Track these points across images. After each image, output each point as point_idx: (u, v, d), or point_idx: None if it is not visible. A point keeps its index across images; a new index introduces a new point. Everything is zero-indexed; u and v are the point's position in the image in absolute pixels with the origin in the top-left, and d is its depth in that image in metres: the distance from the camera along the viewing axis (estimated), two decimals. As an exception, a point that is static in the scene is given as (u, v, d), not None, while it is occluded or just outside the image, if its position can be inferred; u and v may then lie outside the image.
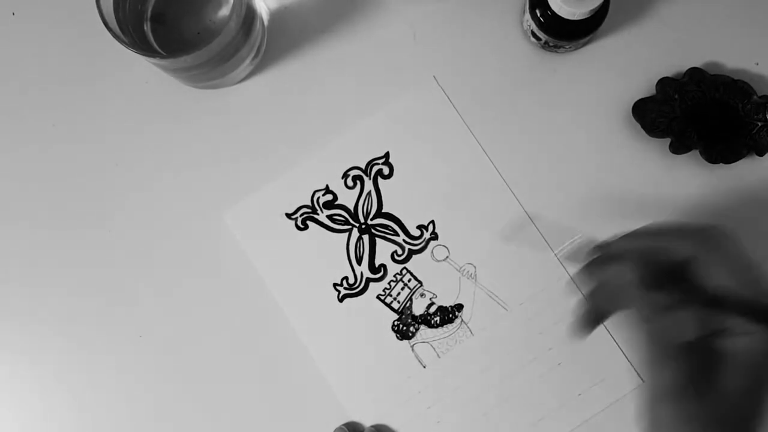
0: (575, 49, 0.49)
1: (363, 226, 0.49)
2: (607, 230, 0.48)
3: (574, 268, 0.39)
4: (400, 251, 0.48)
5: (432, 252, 0.48)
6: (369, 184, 0.49)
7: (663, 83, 0.47)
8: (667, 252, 0.36)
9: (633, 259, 0.37)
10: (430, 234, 0.49)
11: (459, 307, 0.48)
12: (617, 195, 0.48)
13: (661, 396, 0.35)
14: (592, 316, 0.38)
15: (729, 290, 0.35)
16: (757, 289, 0.35)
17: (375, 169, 0.49)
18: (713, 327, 0.36)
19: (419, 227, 0.49)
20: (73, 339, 0.48)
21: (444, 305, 0.48)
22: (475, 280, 0.48)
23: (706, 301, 0.35)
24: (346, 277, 0.48)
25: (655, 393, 0.35)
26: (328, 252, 0.48)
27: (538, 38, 0.47)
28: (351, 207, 0.49)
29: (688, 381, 0.34)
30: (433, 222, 0.49)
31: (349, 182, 0.49)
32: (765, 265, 0.47)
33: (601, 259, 0.39)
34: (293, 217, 0.49)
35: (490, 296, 0.48)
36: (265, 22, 0.49)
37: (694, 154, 0.48)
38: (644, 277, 0.36)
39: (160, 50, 0.45)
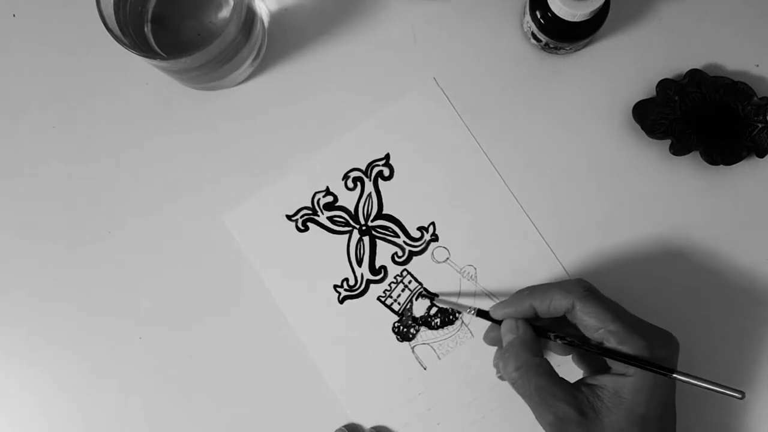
0: (575, 51, 0.49)
1: (363, 228, 0.49)
2: (608, 231, 0.48)
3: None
4: (400, 253, 0.49)
5: (432, 253, 0.49)
6: (369, 186, 0.49)
7: (663, 85, 0.48)
8: (544, 310, 0.41)
9: (508, 322, 0.42)
10: (431, 235, 0.49)
11: (459, 308, 0.48)
12: (617, 196, 0.48)
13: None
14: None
15: (602, 337, 0.39)
16: (623, 338, 0.38)
17: (375, 170, 0.49)
18: (599, 366, 0.42)
19: (420, 229, 0.49)
20: (72, 340, 0.48)
21: (444, 307, 0.48)
22: (476, 282, 0.48)
23: (583, 346, 0.40)
24: (346, 279, 0.48)
25: (544, 429, 0.39)
26: (329, 254, 0.49)
27: (538, 40, 0.48)
28: (351, 208, 0.49)
29: (567, 420, 0.38)
30: (433, 223, 0.49)
31: (350, 184, 0.49)
32: (763, 266, 0.48)
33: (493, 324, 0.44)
34: (293, 218, 0.49)
35: (491, 297, 0.48)
36: (266, 24, 0.50)
37: (695, 156, 0.48)
38: (525, 333, 0.41)
39: (160, 52, 0.45)
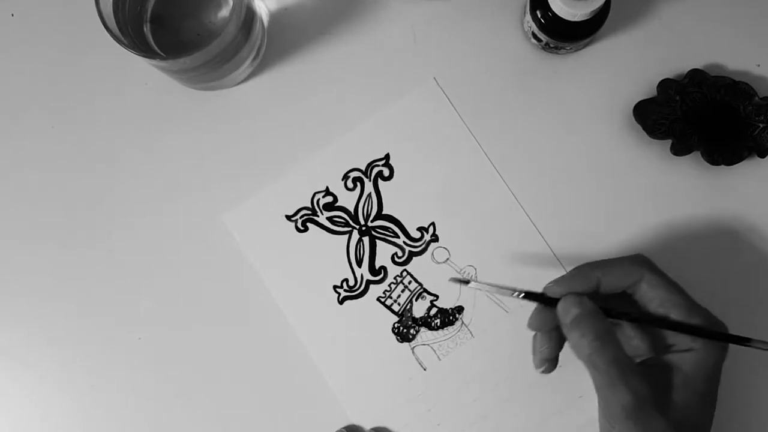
0: (576, 51, 0.49)
1: (363, 228, 0.49)
2: (608, 231, 0.48)
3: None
4: (400, 253, 0.49)
5: (432, 254, 0.49)
6: (369, 186, 0.49)
7: (664, 85, 0.48)
8: (604, 286, 0.39)
9: (572, 297, 0.39)
10: (431, 236, 0.49)
11: (459, 309, 0.48)
12: (618, 197, 0.48)
13: (620, 416, 0.36)
14: (546, 363, 0.42)
15: (667, 311, 0.38)
16: (690, 310, 0.37)
17: (375, 170, 0.49)
18: (660, 344, 0.39)
19: (420, 229, 0.49)
20: (71, 341, 0.48)
21: (444, 307, 0.48)
22: (476, 281, 0.48)
23: (650, 321, 0.38)
24: (346, 279, 0.48)
25: (614, 413, 0.36)
26: (328, 254, 0.49)
27: (538, 39, 0.48)
28: (351, 209, 0.49)
29: (644, 398, 0.35)
30: (433, 224, 0.49)
31: (349, 184, 0.49)
32: (765, 267, 0.47)
33: (542, 305, 0.41)
34: (293, 219, 0.49)
35: (491, 298, 0.48)
36: (265, 24, 0.50)
37: (696, 156, 0.48)
38: (594, 306, 0.38)
39: (159, 52, 0.45)
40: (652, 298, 0.38)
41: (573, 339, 0.38)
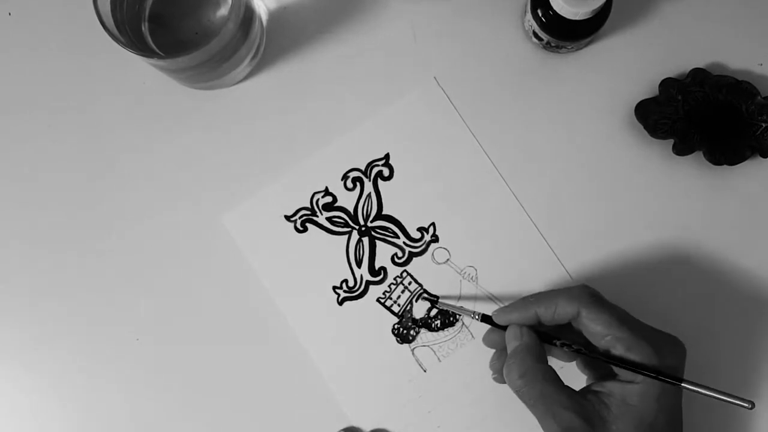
0: (577, 50, 0.49)
1: (363, 229, 0.49)
2: (610, 231, 0.48)
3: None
4: (400, 254, 0.49)
5: (433, 254, 0.48)
6: (369, 186, 0.49)
7: (666, 84, 0.48)
8: (549, 317, 0.40)
9: (513, 328, 0.41)
10: (431, 236, 0.49)
11: (460, 310, 0.48)
12: (620, 197, 0.48)
13: None
14: (498, 373, 0.44)
15: (609, 344, 0.39)
16: (630, 345, 0.38)
17: (375, 170, 0.49)
18: (604, 372, 0.41)
19: (420, 229, 0.49)
20: (69, 342, 0.48)
21: (446, 309, 0.48)
22: (476, 283, 0.48)
23: (590, 354, 0.39)
24: (345, 280, 0.48)
25: None
26: (328, 254, 0.48)
27: (539, 38, 0.48)
28: (351, 209, 0.49)
29: (578, 427, 0.37)
30: (433, 224, 0.49)
31: (349, 184, 0.49)
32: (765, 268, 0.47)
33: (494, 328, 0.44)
34: (292, 219, 0.49)
35: (491, 299, 0.48)
36: (264, 22, 0.50)
37: (698, 156, 0.48)
38: (530, 340, 0.40)
39: (157, 50, 0.45)
40: (593, 331, 0.39)
41: (506, 374, 0.40)
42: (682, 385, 0.37)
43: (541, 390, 0.39)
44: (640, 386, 0.38)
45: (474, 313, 0.44)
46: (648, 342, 0.38)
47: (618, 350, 0.38)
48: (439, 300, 0.47)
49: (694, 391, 0.37)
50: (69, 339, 0.48)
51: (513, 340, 0.41)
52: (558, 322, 0.41)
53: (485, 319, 0.43)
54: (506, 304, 0.43)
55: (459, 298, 0.48)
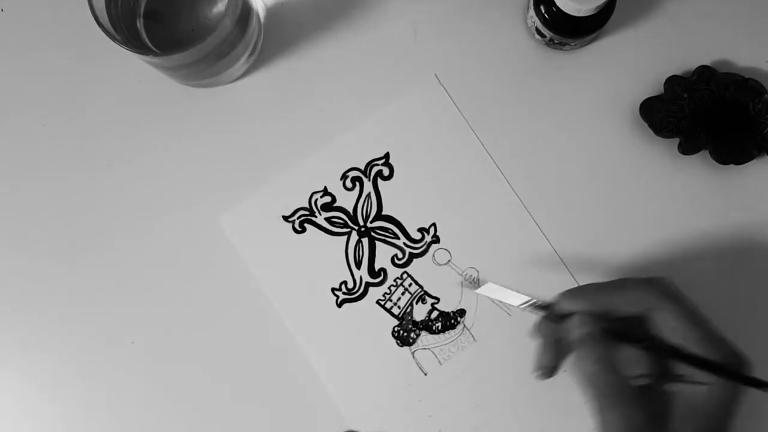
0: (581, 47, 0.49)
1: (362, 229, 0.49)
2: (614, 231, 0.48)
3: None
4: (400, 255, 0.48)
5: (433, 255, 0.48)
6: (368, 186, 0.49)
7: (671, 82, 0.47)
8: (617, 308, 0.38)
9: (582, 316, 0.38)
10: (432, 237, 0.48)
11: (461, 312, 0.48)
12: (624, 197, 0.48)
13: None
14: (545, 370, 0.41)
15: (684, 343, 0.37)
16: (709, 345, 0.36)
17: (375, 170, 0.49)
18: (668, 372, 0.38)
19: (420, 230, 0.49)
20: (63, 344, 0.48)
21: (446, 310, 0.48)
22: (478, 285, 0.48)
23: (663, 352, 0.37)
24: (344, 282, 0.48)
25: None
26: (327, 256, 0.48)
27: (542, 35, 0.47)
28: (350, 209, 0.49)
29: (637, 428, 0.35)
30: (434, 225, 0.49)
31: (348, 184, 0.49)
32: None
33: (549, 317, 0.40)
34: (290, 219, 0.49)
35: (493, 301, 0.48)
36: (262, 19, 0.49)
37: (704, 155, 0.47)
38: (597, 331, 0.38)
39: (153, 48, 0.45)
40: (666, 327, 0.37)
41: (578, 358, 0.38)
42: None
43: (613, 380, 0.36)
44: (708, 389, 0.36)
45: (528, 299, 0.40)
46: (727, 345, 0.36)
47: (692, 349, 0.36)
48: (482, 286, 0.42)
49: None
50: (62, 342, 0.48)
51: (582, 326, 0.38)
52: (626, 315, 0.38)
53: (540, 307, 0.40)
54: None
55: (460, 300, 0.48)
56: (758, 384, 0.36)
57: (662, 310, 0.37)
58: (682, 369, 0.37)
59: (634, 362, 0.40)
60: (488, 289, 0.42)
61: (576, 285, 0.47)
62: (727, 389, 0.36)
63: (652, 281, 0.38)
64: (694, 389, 0.37)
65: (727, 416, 0.36)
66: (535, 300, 0.40)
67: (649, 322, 0.38)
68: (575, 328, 0.38)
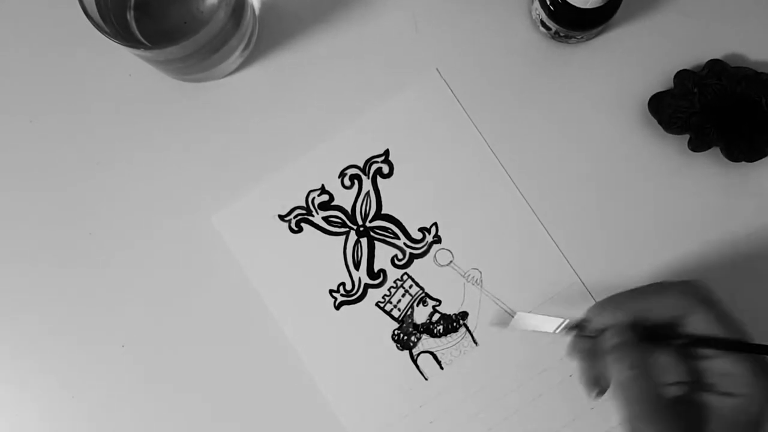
0: (587, 40, 0.49)
1: (361, 229, 0.49)
2: (621, 230, 0.48)
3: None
4: (400, 255, 0.48)
5: (435, 256, 0.48)
6: (367, 184, 0.49)
7: (681, 76, 0.47)
8: (651, 314, 0.38)
9: (616, 328, 0.38)
10: (433, 237, 0.48)
11: (464, 315, 0.48)
12: (631, 195, 0.48)
13: None
14: (595, 387, 0.41)
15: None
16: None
17: (374, 167, 0.49)
18: (701, 381, 0.38)
19: (421, 230, 0.49)
20: (50, 349, 0.48)
21: (447, 313, 0.48)
22: (481, 286, 0.48)
23: (701, 343, 0.37)
24: (343, 283, 0.48)
25: None
26: (324, 256, 0.48)
27: (547, 28, 0.47)
28: (348, 208, 0.49)
29: None
30: (435, 224, 0.48)
31: (347, 182, 0.49)
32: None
33: (585, 334, 0.40)
34: (286, 219, 0.49)
35: (497, 303, 0.48)
36: (257, 11, 0.49)
37: (715, 152, 0.47)
38: (631, 339, 0.38)
39: (144, 41, 0.45)
40: (699, 331, 0.37)
41: (612, 362, 0.38)
42: None
43: (647, 388, 0.36)
44: (741, 400, 0.36)
45: (561, 321, 0.40)
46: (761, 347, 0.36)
47: (726, 359, 0.37)
48: (514, 319, 0.42)
49: None
50: (49, 346, 0.48)
51: (616, 336, 0.38)
52: (659, 321, 0.38)
53: (575, 327, 0.40)
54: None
55: (463, 302, 0.48)
56: None
57: (696, 313, 0.37)
58: (715, 378, 0.37)
59: (668, 370, 0.40)
60: (520, 322, 0.42)
61: (581, 285, 0.47)
62: (756, 399, 0.36)
63: (688, 284, 0.38)
64: (722, 400, 0.37)
65: (755, 428, 0.36)
66: (568, 321, 0.40)
67: (682, 326, 0.38)
68: (609, 338, 0.38)
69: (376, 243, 0.49)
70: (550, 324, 0.41)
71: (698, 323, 0.37)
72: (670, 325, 0.39)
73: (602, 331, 0.39)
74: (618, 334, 0.38)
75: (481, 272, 0.48)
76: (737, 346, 0.36)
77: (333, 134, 0.49)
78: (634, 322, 0.38)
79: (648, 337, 0.38)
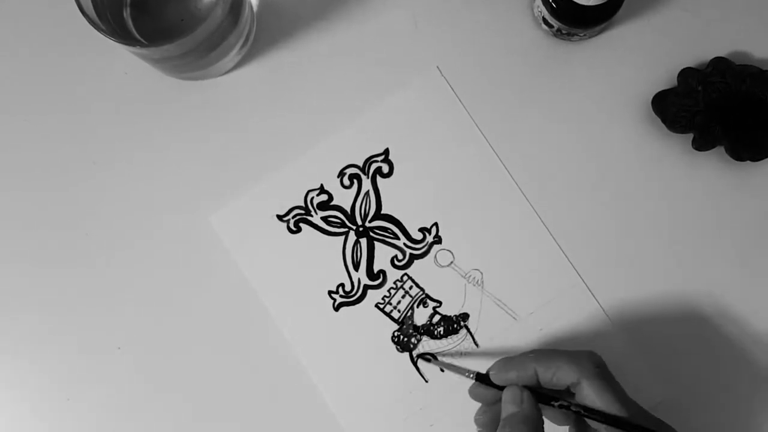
0: (590, 37, 0.49)
1: (360, 229, 0.49)
2: (624, 230, 0.48)
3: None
4: (400, 256, 0.48)
5: (435, 257, 0.48)
6: (367, 184, 0.49)
7: (685, 74, 0.47)
8: (547, 379, 0.40)
9: (513, 388, 0.41)
10: (433, 237, 0.48)
11: (464, 316, 0.48)
12: (635, 194, 0.48)
13: None
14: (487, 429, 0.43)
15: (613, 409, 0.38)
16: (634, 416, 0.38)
17: (373, 167, 0.49)
18: None
19: (421, 230, 0.48)
20: (45, 351, 0.48)
21: (448, 314, 0.48)
22: (482, 288, 0.48)
23: (584, 410, 0.39)
24: (342, 284, 0.48)
25: None
26: (323, 257, 0.48)
27: (550, 25, 0.47)
28: (348, 208, 0.49)
29: None
30: (436, 224, 0.48)
31: (346, 181, 0.49)
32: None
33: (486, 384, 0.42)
34: (285, 219, 0.49)
35: (498, 305, 0.48)
36: (255, 8, 0.49)
37: (719, 151, 0.47)
38: (531, 410, 0.40)
39: (140, 38, 0.45)
40: (590, 404, 0.39)
41: (503, 418, 0.40)
42: None
43: None
44: None
45: (469, 372, 0.42)
46: (651, 425, 0.38)
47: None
48: (437, 358, 0.47)
49: None
50: (44, 348, 0.48)
51: (512, 404, 0.40)
52: (555, 387, 0.40)
53: (480, 378, 0.42)
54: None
55: (464, 303, 0.48)
56: None
57: (591, 386, 0.39)
58: None
59: (559, 423, 0.42)
60: (439, 363, 0.47)
61: (583, 286, 0.47)
62: None
63: (577, 355, 0.40)
64: None
65: None
66: (476, 373, 0.42)
67: (578, 395, 0.40)
68: (506, 405, 0.40)
69: (376, 243, 0.48)
70: (462, 371, 0.43)
71: (588, 390, 0.39)
72: (567, 389, 0.40)
73: (502, 387, 0.41)
74: (513, 400, 0.40)
75: (482, 273, 0.48)
76: (613, 421, 0.38)
77: (332, 133, 0.49)
78: (531, 384, 0.40)
79: (541, 398, 0.40)
